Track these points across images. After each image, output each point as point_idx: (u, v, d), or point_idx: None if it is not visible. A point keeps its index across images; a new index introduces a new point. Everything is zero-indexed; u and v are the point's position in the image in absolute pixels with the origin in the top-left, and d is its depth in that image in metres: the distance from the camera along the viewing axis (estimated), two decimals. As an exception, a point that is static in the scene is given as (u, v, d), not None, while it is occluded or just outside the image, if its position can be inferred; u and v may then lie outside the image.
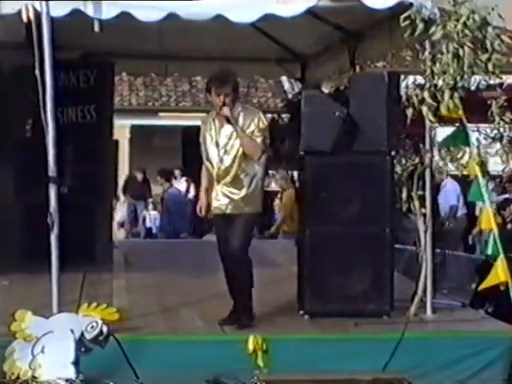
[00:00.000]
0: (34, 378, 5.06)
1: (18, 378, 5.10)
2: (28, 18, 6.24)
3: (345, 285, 6.94)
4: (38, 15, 6.12)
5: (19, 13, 6.29)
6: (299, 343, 6.29)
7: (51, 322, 5.48)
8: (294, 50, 10.84)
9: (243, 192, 6.68)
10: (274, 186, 16.24)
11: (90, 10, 6.41)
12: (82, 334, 5.33)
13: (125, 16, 6.53)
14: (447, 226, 13.05)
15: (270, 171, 15.87)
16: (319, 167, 7.06)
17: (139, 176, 19.42)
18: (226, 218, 6.76)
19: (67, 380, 5.08)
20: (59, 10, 6.28)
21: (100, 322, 5.38)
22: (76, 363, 5.22)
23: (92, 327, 5.34)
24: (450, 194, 13.46)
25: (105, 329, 5.37)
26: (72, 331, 5.31)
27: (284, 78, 17.56)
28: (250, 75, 14.23)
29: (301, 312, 7.04)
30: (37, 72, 6.20)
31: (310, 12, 7.19)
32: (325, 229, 7.00)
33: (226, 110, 6.61)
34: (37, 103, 6.52)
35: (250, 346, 5.48)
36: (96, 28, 6.45)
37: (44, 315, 5.64)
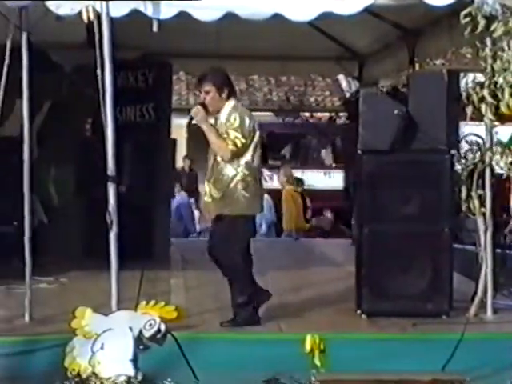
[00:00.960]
0: (94, 374, 5.12)
1: (78, 374, 5.15)
2: (88, 18, 6.31)
3: (403, 284, 6.89)
4: (98, 16, 6.18)
5: (80, 13, 6.37)
6: (357, 343, 6.27)
7: (110, 319, 5.52)
8: (352, 48, 10.80)
9: (221, 193, 6.63)
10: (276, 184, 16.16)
11: (148, 10, 6.46)
12: (141, 332, 5.36)
13: (183, 16, 6.57)
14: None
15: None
16: (377, 166, 7.02)
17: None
18: (212, 216, 6.78)
19: (126, 377, 5.12)
20: (119, 11, 6.34)
21: (158, 319, 5.41)
22: (134, 360, 5.25)
23: (150, 325, 5.37)
24: None
25: (163, 327, 5.39)
26: (131, 329, 5.35)
27: (341, 77, 17.53)
28: (307, 74, 14.24)
29: (358, 311, 7.00)
30: (98, 72, 6.27)
31: (368, 10, 7.15)
32: (383, 228, 6.96)
33: (194, 109, 6.64)
34: (97, 102, 6.60)
35: (308, 345, 5.45)
36: (155, 28, 6.49)
37: (103, 312, 5.69)
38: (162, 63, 10.09)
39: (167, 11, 6.51)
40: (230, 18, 6.60)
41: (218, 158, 6.65)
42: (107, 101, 6.42)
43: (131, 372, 5.17)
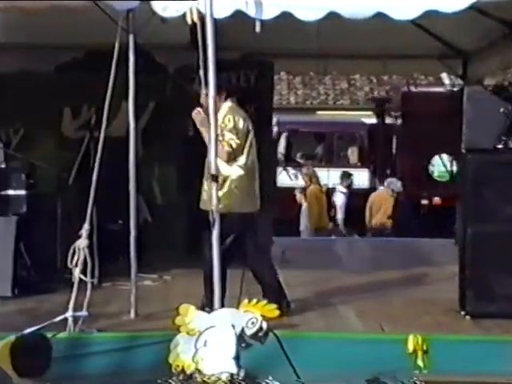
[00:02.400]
0: (197, 370, 5.18)
1: (182, 370, 5.22)
2: (192, 20, 6.39)
3: (508, 285, 6.76)
4: (202, 17, 6.25)
5: (184, 15, 6.46)
6: (460, 344, 6.18)
7: (213, 316, 5.57)
8: (456, 45, 10.64)
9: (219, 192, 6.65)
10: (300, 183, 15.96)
11: (251, 10, 6.49)
12: (243, 330, 5.39)
13: (285, 15, 6.58)
14: None
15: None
16: (482, 165, 6.91)
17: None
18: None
19: (229, 374, 5.17)
20: (222, 12, 6.40)
21: (260, 318, 5.43)
22: (237, 358, 5.29)
23: (252, 323, 5.40)
24: None
25: (264, 325, 5.41)
26: (233, 326, 5.38)
27: (444, 75, 17.26)
28: (410, 72, 14.08)
29: (462, 312, 6.91)
30: (201, 72, 6.34)
31: (473, 6, 7.03)
32: (488, 228, 6.85)
33: (195, 112, 6.80)
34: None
35: (410, 346, 5.40)
36: (257, 28, 6.53)
37: (206, 310, 5.76)
38: (264, 63, 10.14)
39: (270, 11, 6.54)
40: (332, 17, 6.59)
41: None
42: (210, 100, 6.49)
43: (234, 369, 5.21)
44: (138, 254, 7.06)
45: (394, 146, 17.87)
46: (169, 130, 9.90)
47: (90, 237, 6.66)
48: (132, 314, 6.91)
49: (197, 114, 6.85)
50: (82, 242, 6.54)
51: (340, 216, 15.61)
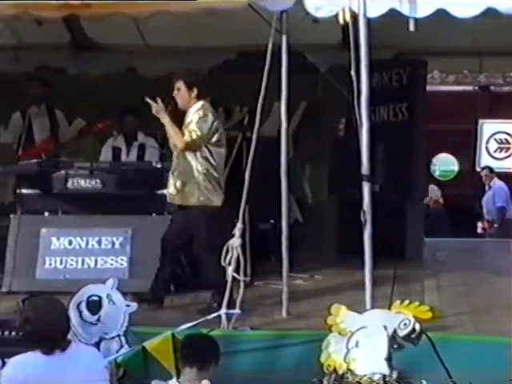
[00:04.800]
0: (349, 370, 5.18)
1: (334, 370, 5.24)
2: (344, 19, 6.39)
3: None
4: (354, 17, 6.25)
5: (336, 15, 6.47)
6: None
7: (365, 317, 5.56)
8: None
9: (185, 184, 7.09)
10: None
11: (405, 9, 6.43)
12: (395, 331, 5.36)
13: (440, 13, 6.49)
14: None
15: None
16: None
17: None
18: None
19: (382, 375, 5.15)
20: (376, 11, 6.37)
21: (412, 319, 5.39)
22: (389, 359, 5.27)
23: (405, 324, 5.37)
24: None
25: (417, 326, 5.37)
26: (385, 327, 5.36)
27: None
28: None
29: None
30: (352, 72, 6.33)
31: None
32: None
33: (154, 104, 6.99)
34: (351, 103, 6.67)
35: None
36: (411, 27, 6.46)
37: (357, 310, 5.75)
38: (417, 62, 10.00)
39: (424, 9, 6.46)
40: (489, 13, 6.43)
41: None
42: (362, 101, 6.48)
43: (386, 370, 5.19)
44: (289, 254, 7.11)
45: None
46: (320, 129, 9.92)
47: (242, 236, 6.76)
48: (283, 313, 6.97)
49: (154, 104, 7.07)
50: (235, 241, 6.66)
51: None
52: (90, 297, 5.87)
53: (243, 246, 6.79)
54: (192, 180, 7.10)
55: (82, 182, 8.14)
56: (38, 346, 4.81)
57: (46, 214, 8.12)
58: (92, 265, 7.73)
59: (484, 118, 17.50)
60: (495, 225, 14.23)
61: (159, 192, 8.04)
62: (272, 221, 8.77)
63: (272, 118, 8.16)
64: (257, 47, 7.02)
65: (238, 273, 6.64)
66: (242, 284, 6.59)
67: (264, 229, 8.82)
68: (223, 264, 6.64)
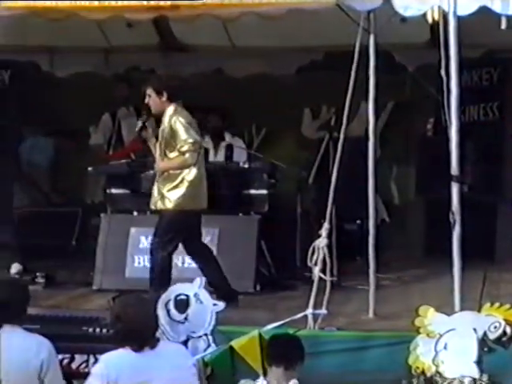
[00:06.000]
0: (438, 373, 5.13)
1: (423, 372, 5.19)
2: (433, 18, 6.32)
3: None
4: (443, 15, 6.17)
5: (425, 14, 6.40)
6: None
7: (453, 319, 5.49)
8: None
9: (169, 188, 7.00)
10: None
11: (497, 6, 6.31)
12: (485, 334, 5.29)
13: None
14: None
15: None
16: None
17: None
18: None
19: (471, 378, 5.08)
20: (466, 9, 6.28)
21: (503, 322, 5.31)
22: (479, 362, 5.20)
23: (495, 327, 5.29)
24: None
25: (508, 329, 5.28)
26: (475, 330, 5.29)
27: None
28: None
29: None
30: (442, 72, 6.26)
31: None
32: None
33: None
34: (439, 102, 6.59)
35: None
36: (503, 25, 6.34)
37: (445, 312, 5.68)
38: (509, 60, 9.83)
39: (517, 6, 6.33)
40: None
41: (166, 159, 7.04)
42: (452, 101, 6.39)
43: (476, 374, 5.12)
44: (376, 254, 7.07)
45: None
46: (407, 129, 9.85)
47: (329, 236, 6.75)
48: (370, 314, 6.93)
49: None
50: (321, 241, 6.64)
51: None
52: (177, 296, 5.94)
53: (329, 246, 6.76)
54: (177, 184, 7.11)
55: (169, 182, 8.24)
56: (129, 343, 4.90)
57: (135, 213, 8.24)
58: (179, 264, 7.81)
59: None
60: None
61: (246, 192, 8.10)
62: (358, 221, 8.73)
63: (359, 117, 8.13)
64: (344, 47, 6.99)
65: (325, 273, 6.63)
66: (328, 284, 6.57)
67: (350, 229, 8.79)
68: (309, 264, 6.64)
